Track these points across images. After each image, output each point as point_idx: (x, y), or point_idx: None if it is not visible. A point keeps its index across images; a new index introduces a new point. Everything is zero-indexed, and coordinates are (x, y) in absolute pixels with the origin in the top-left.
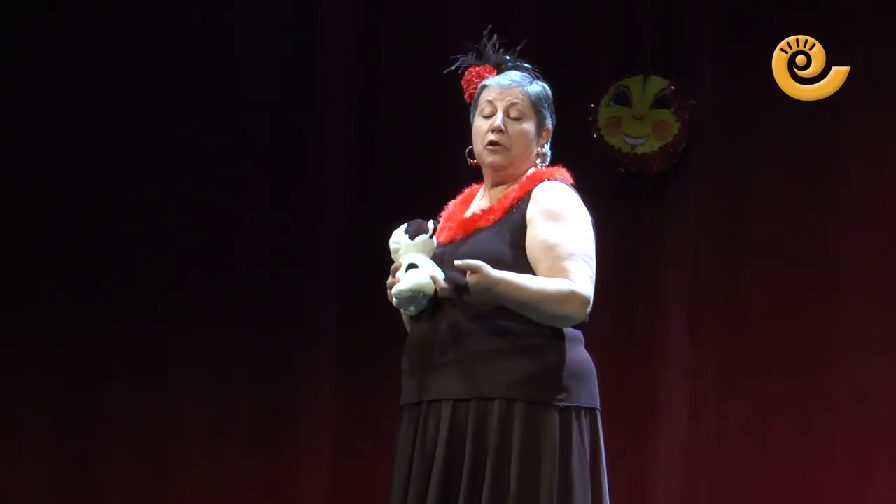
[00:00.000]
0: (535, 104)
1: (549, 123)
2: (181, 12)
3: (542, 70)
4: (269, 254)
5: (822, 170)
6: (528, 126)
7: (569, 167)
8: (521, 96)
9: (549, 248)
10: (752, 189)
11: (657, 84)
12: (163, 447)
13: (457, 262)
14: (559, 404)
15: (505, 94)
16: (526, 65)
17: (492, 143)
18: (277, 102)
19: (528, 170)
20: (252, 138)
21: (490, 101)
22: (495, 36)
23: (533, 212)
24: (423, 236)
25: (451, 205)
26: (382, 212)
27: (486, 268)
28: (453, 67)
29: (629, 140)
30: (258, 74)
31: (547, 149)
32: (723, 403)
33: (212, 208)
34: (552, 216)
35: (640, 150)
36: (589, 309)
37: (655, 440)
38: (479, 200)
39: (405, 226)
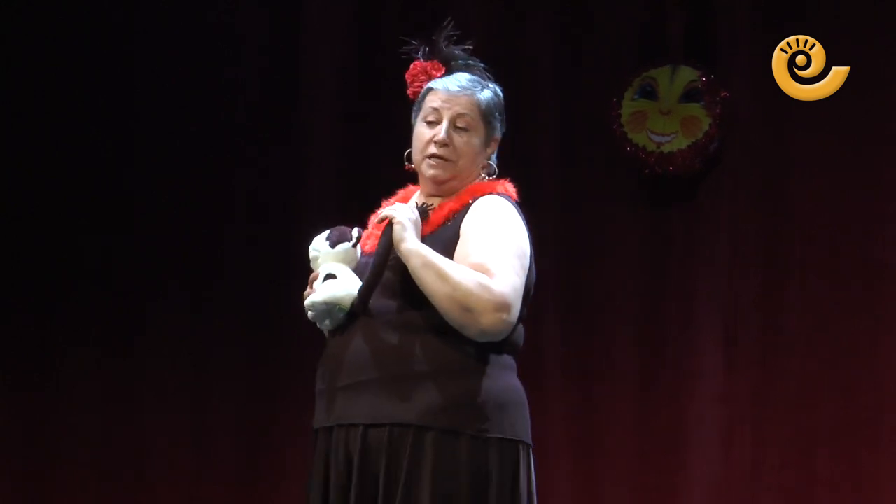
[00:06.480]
0: (486, 114)
1: (499, 133)
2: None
3: (559, 60)
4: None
5: (871, 174)
6: (476, 139)
7: (588, 168)
8: (469, 106)
9: (474, 255)
10: (791, 194)
11: (686, 75)
12: (131, 486)
13: (382, 213)
14: (479, 434)
15: (452, 101)
16: (479, 63)
17: (434, 155)
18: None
19: (470, 182)
20: (236, 135)
21: (435, 109)
22: (449, 28)
23: (467, 225)
24: (346, 245)
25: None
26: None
27: (411, 229)
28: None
29: (655, 137)
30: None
31: (494, 159)
32: (759, 432)
33: (192, 209)
34: (484, 229)
35: (666, 149)
36: (505, 317)
37: (683, 473)
38: None
39: (327, 232)
